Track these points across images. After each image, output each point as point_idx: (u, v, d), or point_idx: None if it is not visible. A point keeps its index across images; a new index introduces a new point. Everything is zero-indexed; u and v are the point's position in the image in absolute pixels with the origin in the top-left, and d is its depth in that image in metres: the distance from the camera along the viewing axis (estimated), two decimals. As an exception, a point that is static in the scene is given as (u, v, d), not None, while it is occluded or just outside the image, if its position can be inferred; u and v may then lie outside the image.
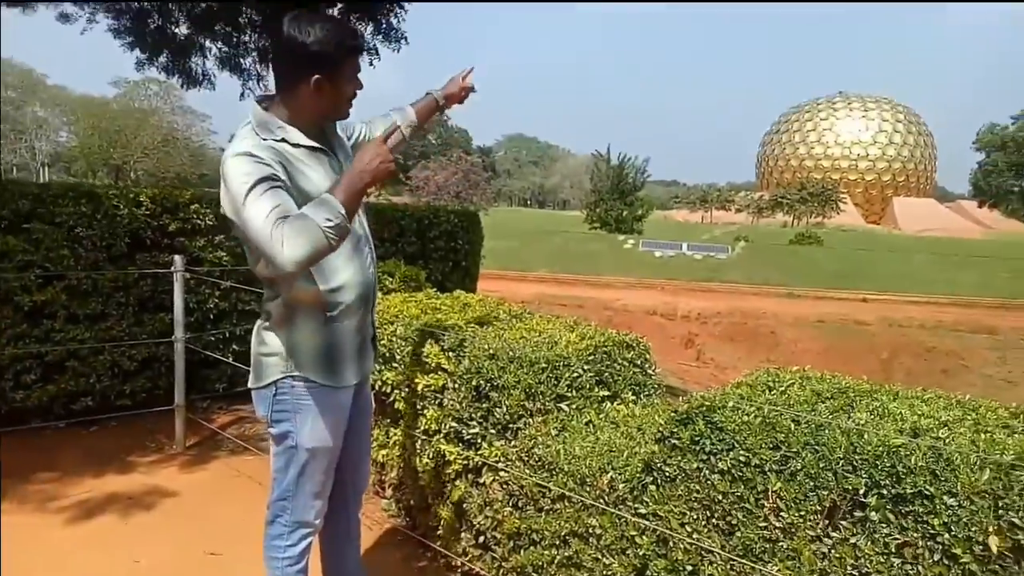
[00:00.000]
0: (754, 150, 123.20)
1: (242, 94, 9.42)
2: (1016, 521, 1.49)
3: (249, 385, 2.01)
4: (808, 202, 75.01)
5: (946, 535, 1.55)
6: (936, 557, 1.56)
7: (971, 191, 47.23)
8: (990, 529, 1.51)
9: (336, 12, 8.88)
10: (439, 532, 2.77)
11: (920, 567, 1.58)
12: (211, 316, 4.59)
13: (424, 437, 2.78)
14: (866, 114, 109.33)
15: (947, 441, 1.65)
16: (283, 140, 1.83)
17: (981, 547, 1.51)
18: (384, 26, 8.88)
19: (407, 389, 2.88)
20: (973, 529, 1.52)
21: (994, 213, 50.24)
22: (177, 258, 3.94)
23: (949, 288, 27.21)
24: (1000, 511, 1.51)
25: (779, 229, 64.31)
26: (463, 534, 2.64)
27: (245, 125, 1.85)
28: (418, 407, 2.82)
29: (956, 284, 27.86)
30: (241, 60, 9.38)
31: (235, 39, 9.25)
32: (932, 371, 20.56)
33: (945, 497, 1.56)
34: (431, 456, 2.75)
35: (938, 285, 27.57)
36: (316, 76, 1.81)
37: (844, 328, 22.45)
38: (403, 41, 9.36)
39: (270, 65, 1.96)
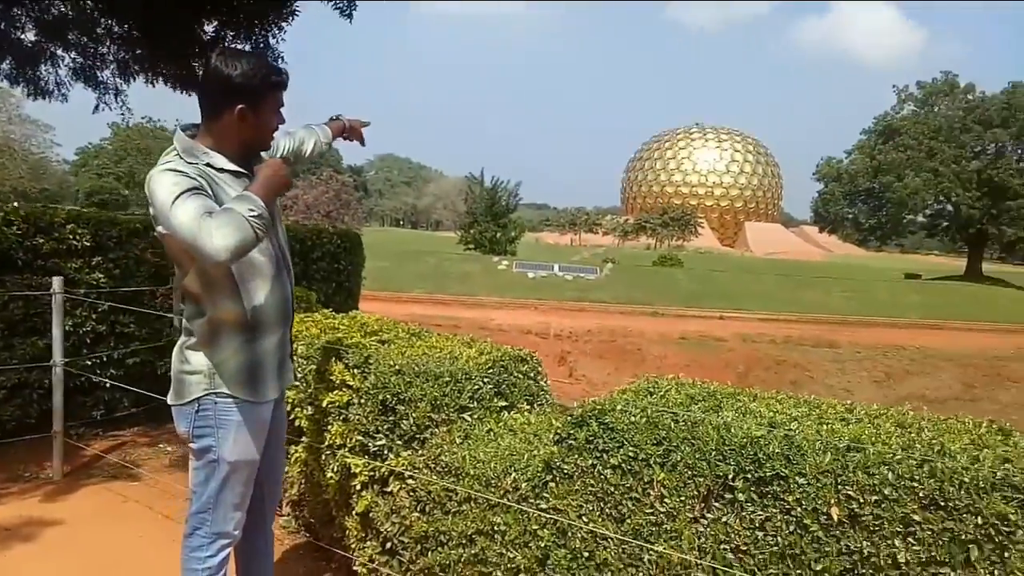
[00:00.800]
0: (619, 176, 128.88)
1: (96, 107, 9.04)
2: (851, 494, 1.81)
3: (170, 402, 2.06)
4: (669, 226, 79.13)
5: (798, 509, 1.86)
6: (791, 528, 1.86)
7: (812, 217, 51.46)
8: (832, 502, 1.83)
9: (211, 30, 8.72)
10: (344, 543, 2.86)
11: (779, 537, 1.88)
12: (88, 340, 4.42)
13: (329, 452, 2.88)
14: (720, 145, 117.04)
15: (797, 432, 1.97)
16: (208, 164, 1.93)
17: (825, 517, 1.83)
18: (262, 47, 8.78)
19: (310, 407, 2.97)
20: (819, 502, 1.84)
21: (832, 238, 55.11)
22: (56, 280, 3.80)
23: (795, 306, 29.50)
24: (839, 486, 1.83)
25: (643, 251, 67.39)
26: (369, 542, 2.76)
27: (169, 151, 1.94)
28: (322, 423, 2.91)
29: (801, 303, 30.24)
30: (98, 72, 8.98)
31: (92, 50, 8.84)
32: (782, 382, 22.16)
33: (797, 478, 1.87)
34: (336, 470, 2.85)
35: (785, 304, 29.82)
36: (240, 106, 1.93)
37: (704, 344, 23.85)
38: (280, 61, 9.29)
39: (197, 95, 2.02)
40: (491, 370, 2.74)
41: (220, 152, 1.96)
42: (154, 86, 9.48)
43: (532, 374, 2.91)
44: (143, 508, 3.48)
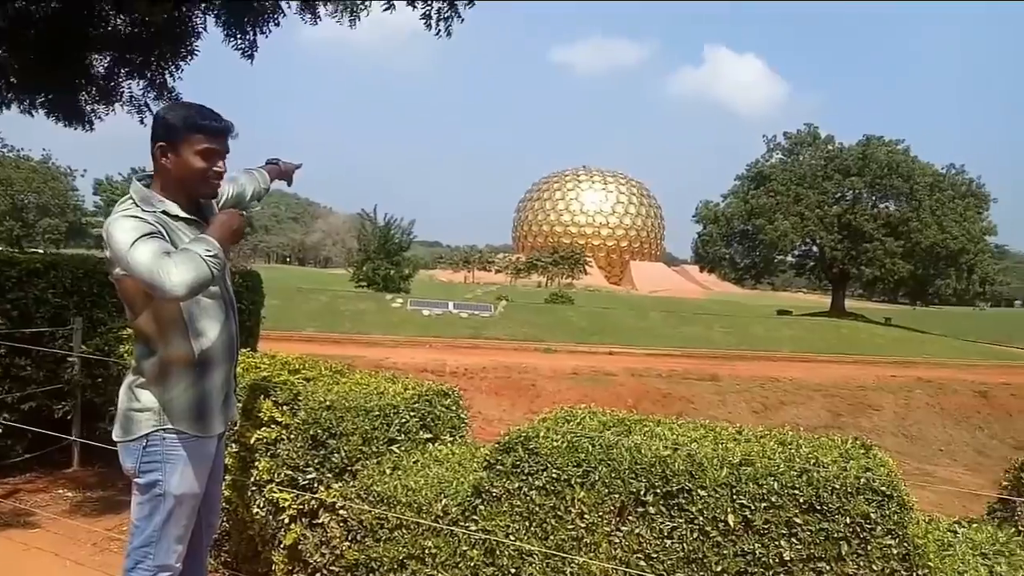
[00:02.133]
0: (510, 215, 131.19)
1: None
2: (744, 503, 2.11)
3: (115, 438, 2.11)
4: (560, 264, 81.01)
5: (700, 518, 2.13)
6: (695, 535, 2.14)
7: (693, 257, 54.13)
8: (728, 510, 2.11)
9: (105, 65, 8.50)
10: (269, 577, 2.92)
11: (684, 544, 2.14)
12: (-23, 383, 4.22)
13: (255, 488, 2.94)
14: (606, 186, 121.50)
15: (698, 451, 2.26)
16: (164, 212, 2.04)
17: (723, 523, 2.11)
18: (158, 82, 8.64)
19: (235, 444, 3.02)
20: (718, 511, 2.12)
21: (711, 276, 58.17)
22: (-49, 321, 3.65)
23: (678, 341, 30.85)
24: (735, 497, 2.12)
25: (535, 289, 68.60)
26: (296, 575, 2.83)
27: (126, 200, 2.04)
28: (248, 460, 2.97)
29: (684, 338, 31.67)
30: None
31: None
32: (668, 413, 22.74)
33: (699, 490, 2.14)
34: (261, 505, 2.92)
35: (670, 339, 31.14)
36: (160, 144, 2.07)
37: (595, 378, 24.49)
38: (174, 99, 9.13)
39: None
40: (417, 404, 2.91)
41: (172, 200, 2.08)
42: (32, 115, 9.12)
43: (454, 407, 3.10)
44: (49, 555, 3.37)
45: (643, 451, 2.24)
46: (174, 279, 1.80)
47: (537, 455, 2.32)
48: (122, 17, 8.02)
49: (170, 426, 2.08)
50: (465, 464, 2.69)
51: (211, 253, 1.89)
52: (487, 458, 2.43)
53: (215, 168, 2.12)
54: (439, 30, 6.85)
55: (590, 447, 2.30)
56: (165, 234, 1.98)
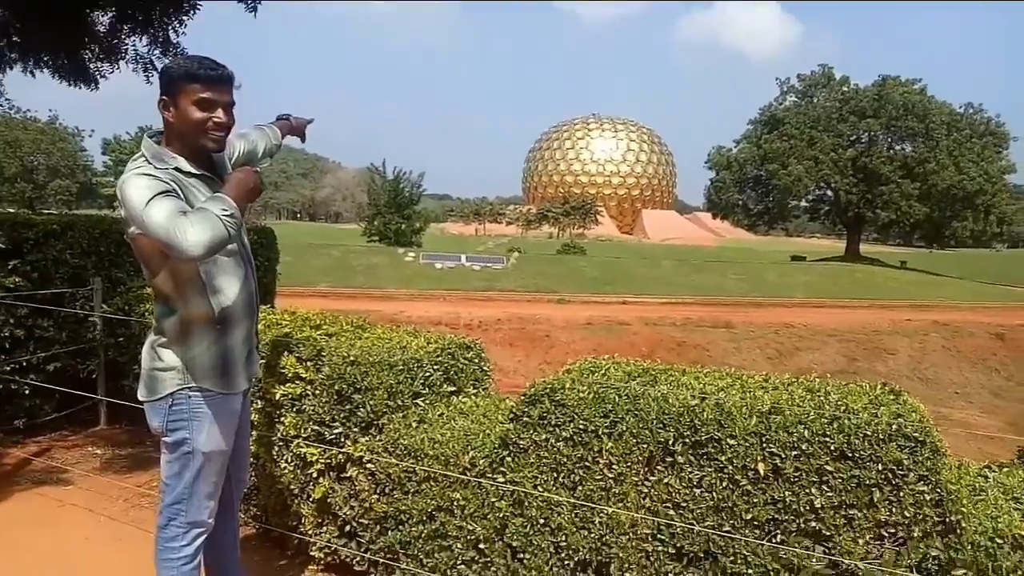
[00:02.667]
0: (519, 166, 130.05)
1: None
2: (774, 451, 2.09)
3: (141, 398, 2.12)
4: (571, 215, 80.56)
5: (729, 466, 2.12)
6: (724, 483, 2.13)
7: (705, 204, 53.65)
8: (758, 458, 2.10)
9: (107, 22, 8.36)
10: (300, 529, 2.96)
11: (714, 492, 2.14)
12: (6, 345, 4.25)
13: (282, 443, 2.96)
14: (616, 134, 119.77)
15: (726, 400, 2.24)
16: (177, 169, 2.01)
17: (753, 472, 2.10)
18: (161, 39, 8.50)
19: (260, 401, 3.03)
20: (747, 460, 2.11)
21: (724, 223, 57.70)
22: (-28, 283, 3.67)
23: (692, 290, 30.77)
24: (764, 445, 2.11)
25: (546, 240, 68.44)
26: (326, 527, 2.87)
27: (138, 158, 2.01)
28: (274, 416, 2.99)
29: (697, 286, 31.57)
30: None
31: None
32: (683, 362, 22.67)
33: (728, 439, 2.13)
34: (289, 460, 2.94)
35: (683, 287, 31.07)
36: (162, 97, 2.04)
37: (609, 328, 24.55)
38: (180, 54, 9.00)
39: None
40: (440, 358, 2.90)
41: (183, 155, 2.04)
42: (34, 76, 9.03)
43: (476, 360, 3.09)
44: (83, 511, 3.44)
45: (671, 401, 2.22)
46: (191, 239, 1.78)
47: (564, 406, 2.32)
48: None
49: (194, 384, 2.09)
50: (490, 416, 2.70)
51: (227, 212, 1.87)
52: (513, 410, 2.42)
53: (215, 118, 2.05)
54: None
55: (617, 398, 2.28)
56: (180, 191, 1.95)
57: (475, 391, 3.01)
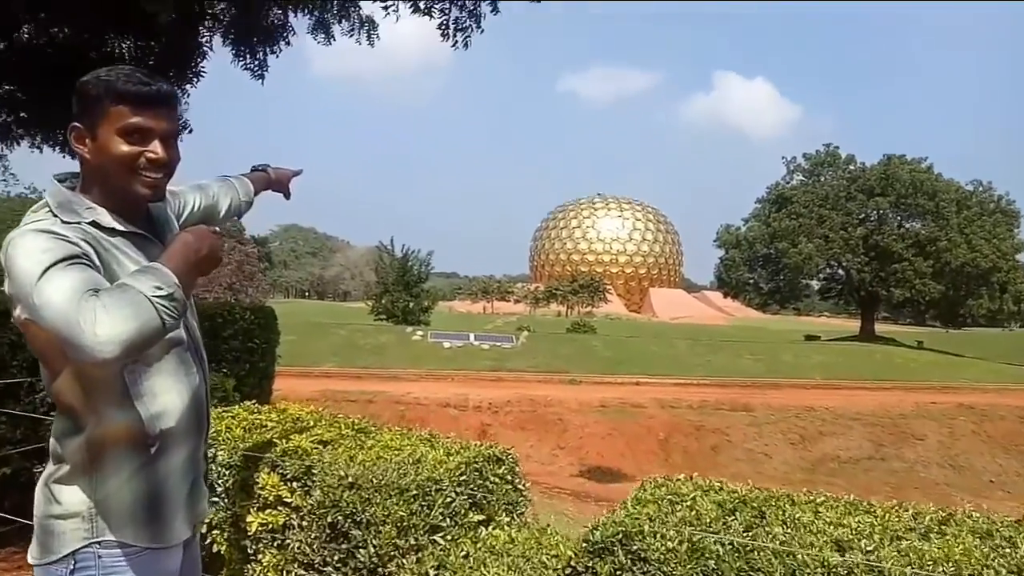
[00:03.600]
0: (526, 244, 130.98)
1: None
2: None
3: (31, 560, 1.46)
4: (579, 293, 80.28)
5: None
6: None
7: (716, 283, 53.20)
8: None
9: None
10: None
11: None
12: (-56, 445, 3.62)
13: (258, 589, 2.27)
14: (622, 214, 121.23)
15: (874, 551, 1.58)
16: (94, 223, 1.43)
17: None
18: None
19: (232, 528, 2.36)
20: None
21: (732, 301, 57.08)
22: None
23: (707, 370, 29.96)
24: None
25: (555, 318, 67.85)
26: None
27: (39, 208, 1.42)
28: (249, 551, 2.31)
29: (712, 366, 30.76)
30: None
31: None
32: (704, 448, 22.21)
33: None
34: (266, 613, 2.25)
35: (697, 368, 30.27)
36: (73, 124, 1.46)
37: (623, 411, 23.68)
38: (185, 129, 8.68)
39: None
40: (464, 476, 2.24)
41: (106, 206, 1.46)
42: (41, 151, 8.69)
43: (510, 476, 2.43)
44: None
45: (799, 558, 1.56)
46: (101, 333, 1.17)
47: (646, 562, 1.64)
48: (127, 40, 7.58)
49: (108, 537, 1.42)
50: (532, 558, 2.02)
51: (163, 292, 1.26)
52: (572, 563, 1.75)
53: (148, 153, 1.45)
54: (456, 41, 6.28)
55: (720, 551, 1.62)
56: (94, 258, 1.35)
57: (509, 518, 2.33)
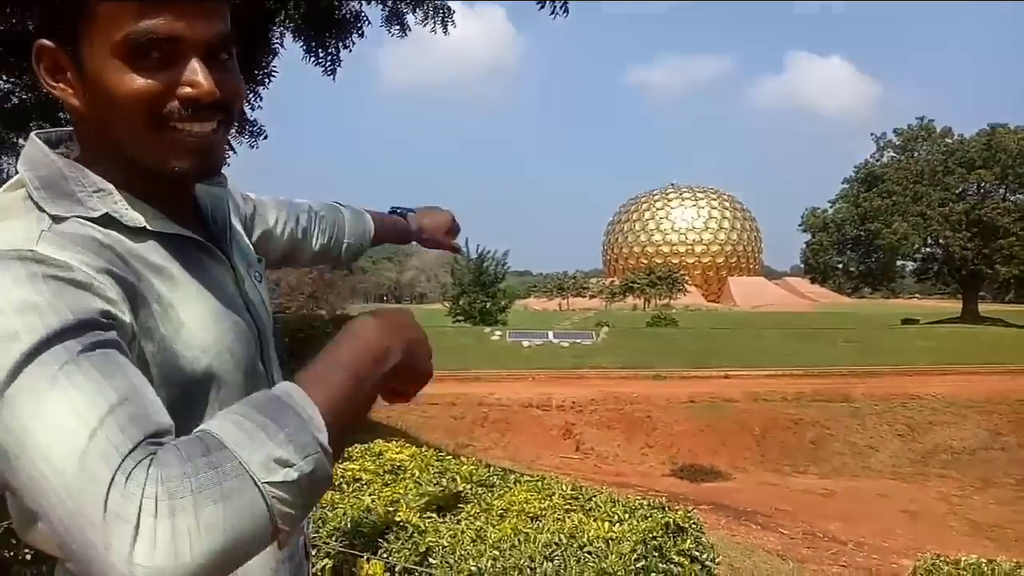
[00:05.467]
0: (598, 239, 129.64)
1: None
2: None
3: None
4: (657, 285, 78.77)
5: None
6: None
7: (803, 268, 51.03)
8: None
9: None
10: None
11: None
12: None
13: None
14: (696, 203, 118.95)
15: None
16: (108, 218, 0.81)
17: None
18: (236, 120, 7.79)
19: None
20: None
21: (816, 287, 54.74)
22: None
23: (800, 360, 28.59)
24: None
25: (632, 312, 66.60)
26: None
27: (9, 191, 0.82)
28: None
29: (805, 356, 29.34)
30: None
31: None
32: (802, 443, 21.16)
33: None
34: None
35: (790, 358, 28.92)
36: (39, 42, 0.80)
37: (714, 406, 22.71)
38: (260, 135, 8.36)
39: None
40: (641, 561, 1.57)
41: (121, 186, 0.83)
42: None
43: (697, 551, 1.74)
44: None
45: None
46: (146, 562, 0.54)
47: None
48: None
49: None
50: None
51: (290, 475, 0.61)
52: None
53: (184, 86, 0.79)
54: (554, 8, 5.74)
55: None
56: (123, 309, 0.73)
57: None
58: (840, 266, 45.04)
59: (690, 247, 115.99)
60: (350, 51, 7.35)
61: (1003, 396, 23.31)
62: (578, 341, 30.40)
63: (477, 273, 36.84)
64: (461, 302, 36.96)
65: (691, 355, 29.24)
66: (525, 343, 29.38)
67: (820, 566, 9.47)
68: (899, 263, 44.31)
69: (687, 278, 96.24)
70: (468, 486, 1.99)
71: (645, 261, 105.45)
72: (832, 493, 16.22)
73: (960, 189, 40.43)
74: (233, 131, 7.54)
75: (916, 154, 42.09)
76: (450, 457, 2.28)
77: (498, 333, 30.10)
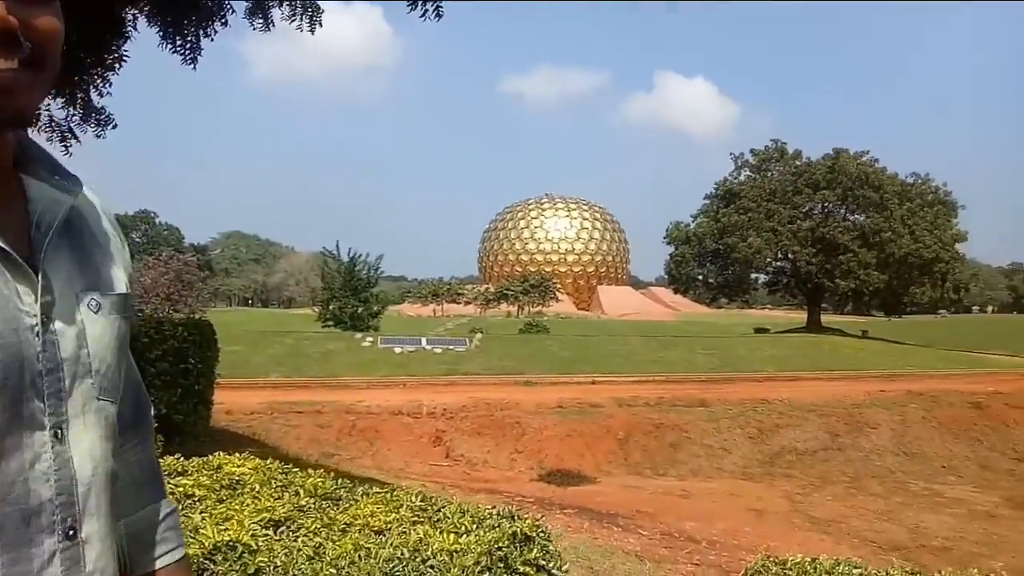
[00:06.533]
0: (473, 246, 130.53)
1: None
2: None
3: None
4: (530, 293, 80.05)
5: None
6: None
7: (666, 279, 53.46)
8: None
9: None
10: None
11: None
12: None
13: None
14: (569, 213, 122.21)
15: None
16: None
17: None
18: (81, 101, 7.19)
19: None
20: None
21: (678, 297, 57.44)
22: None
23: (662, 367, 29.85)
24: None
25: (505, 319, 67.27)
26: None
27: None
28: None
29: (667, 362, 30.68)
30: None
31: None
32: (663, 446, 21.99)
33: None
34: None
35: (653, 364, 30.12)
36: None
37: (581, 411, 23.24)
38: (108, 124, 7.74)
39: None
40: (484, 573, 1.54)
41: None
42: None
43: (544, 560, 1.73)
44: None
45: None
46: None
47: None
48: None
49: None
50: None
51: None
52: None
53: None
54: (426, 11, 5.59)
55: None
56: None
57: (547, 625, 1.64)
58: (700, 277, 47.53)
59: (562, 256, 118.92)
60: (211, 40, 6.97)
61: (838, 400, 25.31)
62: (451, 347, 30.31)
63: (348, 277, 35.88)
64: (331, 307, 35.88)
65: (561, 362, 29.84)
66: (397, 349, 28.98)
67: (676, 565, 9.87)
68: (753, 275, 47.30)
69: (559, 286, 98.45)
70: (312, 500, 1.89)
71: (519, 269, 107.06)
72: (689, 494, 16.94)
73: (807, 208, 43.75)
74: (76, 118, 6.92)
75: (770, 174, 45.20)
76: (296, 470, 2.16)
77: (369, 339, 29.52)
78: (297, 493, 1.91)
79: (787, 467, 21.77)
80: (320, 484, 2.01)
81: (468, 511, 1.82)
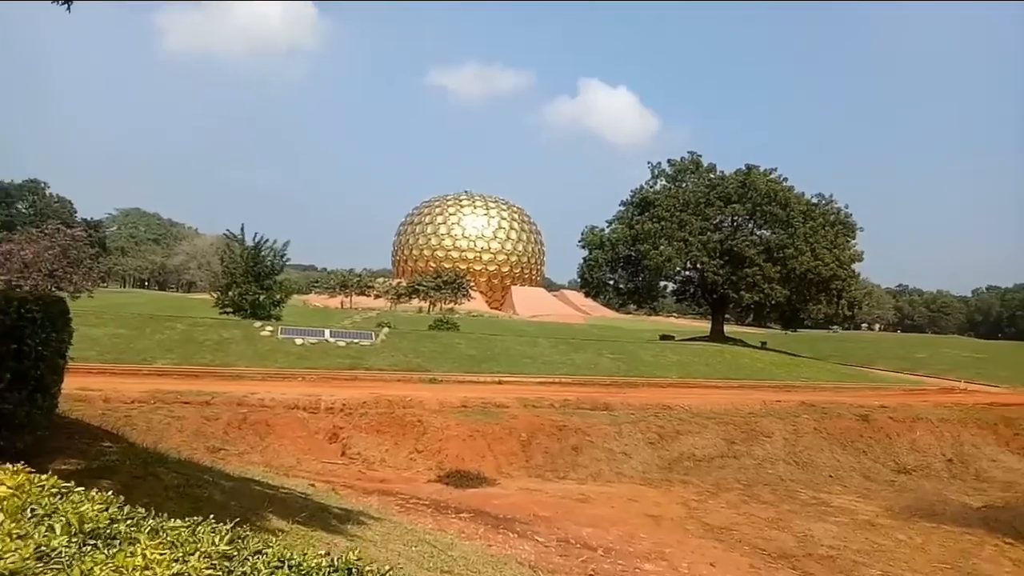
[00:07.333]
0: (387, 238, 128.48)
1: None
2: None
3: None
4: (442, 289, 79.28)
5: None
6: None
7: (579, 282, 53.91)
8: None
9: None
10: None
11: None
12: None
13: None
14: (487, 212, 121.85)
15: None
16: None
17: None
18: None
19: None
20: None
21: (589, 301, 58.06)
22: None
23: (569, 369, 29.88)
24: None
25: (416, 315, 66.39)
26: None
27: None
28: None
29: (574, 365, 30.74)
30: None
31: None
32: (565, 449, 21.86)
33: None
34: None
35: (560, 366, 30.11)
36: None
37: (486, 411, 22.89)
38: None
39: None
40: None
41: None
42: None
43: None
44: None
45: None
46: None
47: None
48: None
49: None
50: None
51: None
52: None
53: None
54: None
55: None
56: None
57: None
58: (611, 282, 48.10)
59: (478, 254, 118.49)
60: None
61: (736, 408, 25.90)
62: (356, 341, 29.39)
63: (252, 263, 34.26)
64: (231, 293, 34.17)
65: (468, 360, 29.43)
66: (298, 340, 27.84)
67: (570, 575, 9.62)
68: (662, 283, 48.24)
69: (473, 284, 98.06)
70: (70, 540, 1.37)
71: (434, 264, 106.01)
72: (588, 498, 16.82)
73: (718, 220, 44.94)
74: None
75: (684, 185, 46.20)
76: (79, 490, 1.64)
77: (269, 328, 28.25)
78: (52, 528, 1.39)
79: (684, 473, 22.04)
80: (92, 516, 1.48)
81: (292, 561, 1.33)
